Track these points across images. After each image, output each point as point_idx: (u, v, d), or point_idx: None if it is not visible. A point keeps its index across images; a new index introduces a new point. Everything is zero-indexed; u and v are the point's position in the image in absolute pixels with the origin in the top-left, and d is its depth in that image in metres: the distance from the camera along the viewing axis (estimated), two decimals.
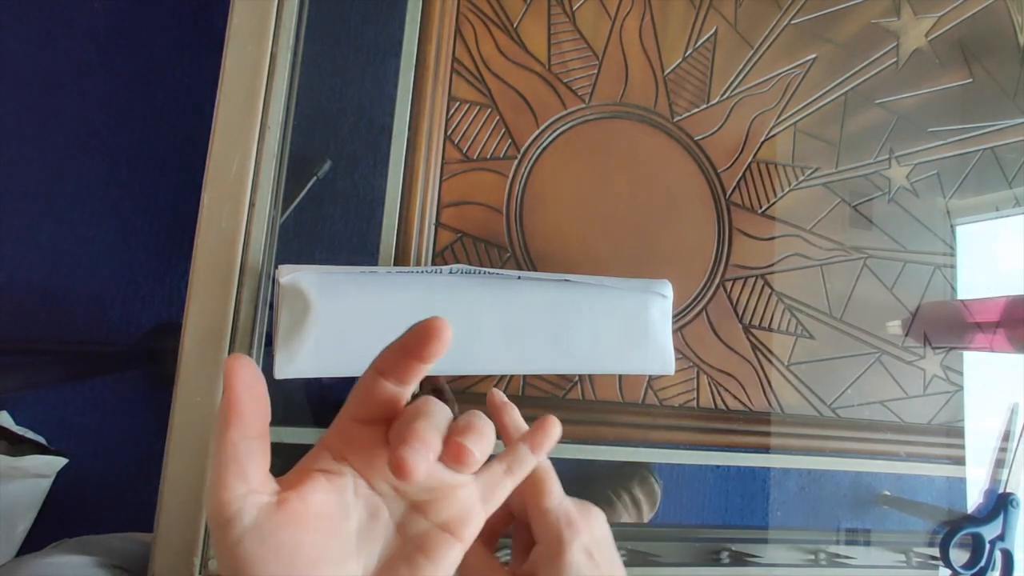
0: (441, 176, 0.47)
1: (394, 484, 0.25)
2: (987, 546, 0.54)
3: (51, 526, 0.90)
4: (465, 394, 0.46)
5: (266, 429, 0.23)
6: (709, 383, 0.51)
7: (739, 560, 0.50)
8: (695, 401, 0.50)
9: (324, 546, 0.23)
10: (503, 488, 0.27)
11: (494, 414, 0.35)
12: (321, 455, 0.25)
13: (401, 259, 0.46)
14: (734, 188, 0.53)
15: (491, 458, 0.27)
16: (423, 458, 0.22)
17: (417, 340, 0.25)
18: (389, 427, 0.26)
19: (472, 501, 0.26)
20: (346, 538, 0.24)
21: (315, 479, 0.24)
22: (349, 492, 0.24)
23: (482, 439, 0.25)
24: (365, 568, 0.24)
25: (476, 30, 0.49)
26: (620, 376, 0.49)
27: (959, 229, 0.59)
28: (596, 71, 0.51)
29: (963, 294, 0.58)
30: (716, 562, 0.50)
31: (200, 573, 0.40)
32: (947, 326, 0.58)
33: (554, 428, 0.30)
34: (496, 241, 0.48)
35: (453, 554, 0.25)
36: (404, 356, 0.25)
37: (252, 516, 0.22)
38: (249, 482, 0.22)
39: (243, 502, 0.22)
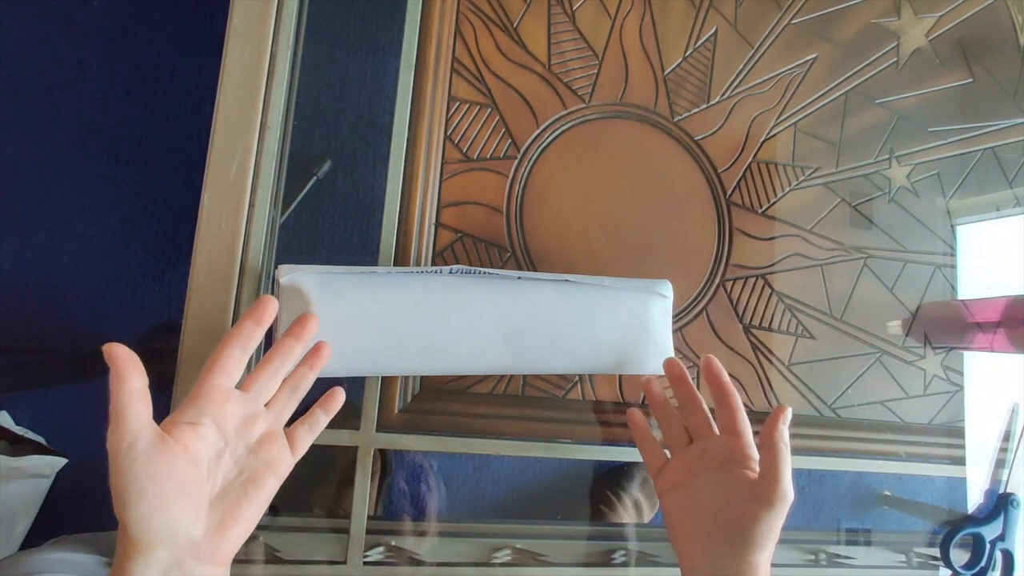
0: (441, 176, 0.47)
1: (237, 429, 0.36)
2: (987, 546, 0.54)
3: (51, 526, 0.90)
4: (465, 394, 0.46)
5: (146, 385, 0.32)
6: None
7: None
8: None
9: (187, 471, 0.33)
10: (308, 441, 0.39)
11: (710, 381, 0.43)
12: (186, 410, 0.34)
13: (401, 259, 0.46)
14: (734, 188, 0.53)
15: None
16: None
17: (256, 310, 0.37)
18: (232, 384, 0.36)
19: (286, 450, 0.38)
20: (201, 467, 0.34)
21: (182, 428, 0.33)
22: (205, 438, 0.34)
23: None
24: (211, 489, 0.34)
25: (476, 30, 0.49)
26: (620, 376, 0.49)
27: (959, 229, 0.59)
28: (596, 71, 0.51)
29: (963, 294, 0.58)
30: None
31: None
32: (947, 326, 0.58)
33: (340, 396, 0.41)
34: (496, 241, 0.48)
35: (272, 484, 0.36)
36: (246, 321, 0.37)
37: (143, 444, 0.31)
38: (141, 420, 0.31)
39: (137, 434, 0.31)
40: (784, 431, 0.39)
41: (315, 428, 0.40)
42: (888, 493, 0.55)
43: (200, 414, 0.34)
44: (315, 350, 0.40)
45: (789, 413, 0.40)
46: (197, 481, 0.33)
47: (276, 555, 0.42)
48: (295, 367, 0.40)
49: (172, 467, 0.32)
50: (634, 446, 0.46)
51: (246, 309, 0.38)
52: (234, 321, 0.41)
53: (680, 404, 0.44)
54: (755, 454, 0.40)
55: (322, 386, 0.43)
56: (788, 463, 0.39)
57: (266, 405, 0.38)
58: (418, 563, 0.44)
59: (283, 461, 0.37)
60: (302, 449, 0.39)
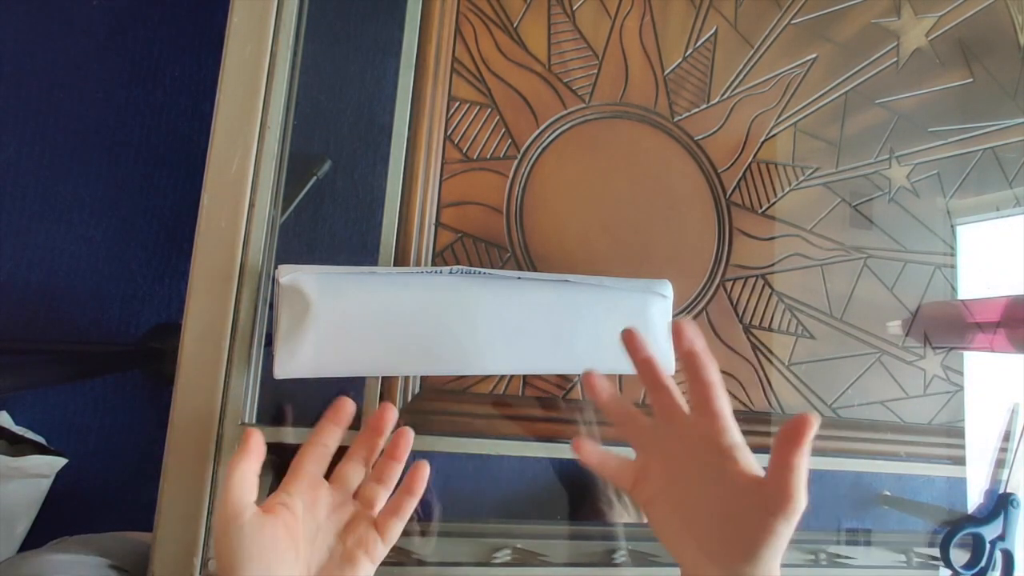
0: (441, 176, 0.47)
1: (328, 515, 0.39)
2: (987, 546, 0.54)
3: (51, 526, 0.90)
4: (465, 394, 0.46)
5: (258, 470, 0.35)
6: None
7: None
8: None
9: (287, 545, 0.35)
10: (398, 527, 0.40)
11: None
12: (279, 494, 0.37)
13: (401, 259, 0.46)
14: (734, 188, 0.53)
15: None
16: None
17: (334, 411, 0.41)
18: (323, 474, 0.40)
19: (375, 537, 0.39)
20: (298, 544, 0.36)
21: (278, 508, 0.36)
22: (299, 518, 0.37)
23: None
24: (308, 571, 0.36)
25: (476, 30, 0.49)
26: (620, 376, 0.49)
27: (959, 229, 0.59)
28: (596, 71, 0.51)
29: (963, 294, 0.58)
30: None
31: (200, 573, 0.40)
32: (947, 326, 0.58)
33: (424, 472, 0.41)
34: (496, 241, 0.48)
35: (366, 567, 0.38)
36: (327, 424, 0.40)
37: (248, 515, 0.34)
38: (248, 496, 0.34)
39: (244, 507, 0.34)
40: (807, 450, 0.33)
41: (403, 513, 0.40)
42: (888, 493, 0.55)
43: (292, 496, 0.37)
44: (396, 440, 0.41)
45: (815, 426, 0.33)
46: (295, 555, 0.36)
47: None
48: (381, 457, 0.41)
49: (275, 539, 0.34)
50: None
51: (326, 411, 0.41)
52: (235, 321, 0.42)
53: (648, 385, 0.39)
54: (737, 439, 0.35)
55: (324, 387, 0.43)
56: (805, 475, 0.33)
57: (355, 496, 0.40)
58: (419, 563, 0.44)
59: (374, 546, 0.39)
60: (393, 536, 0.40)
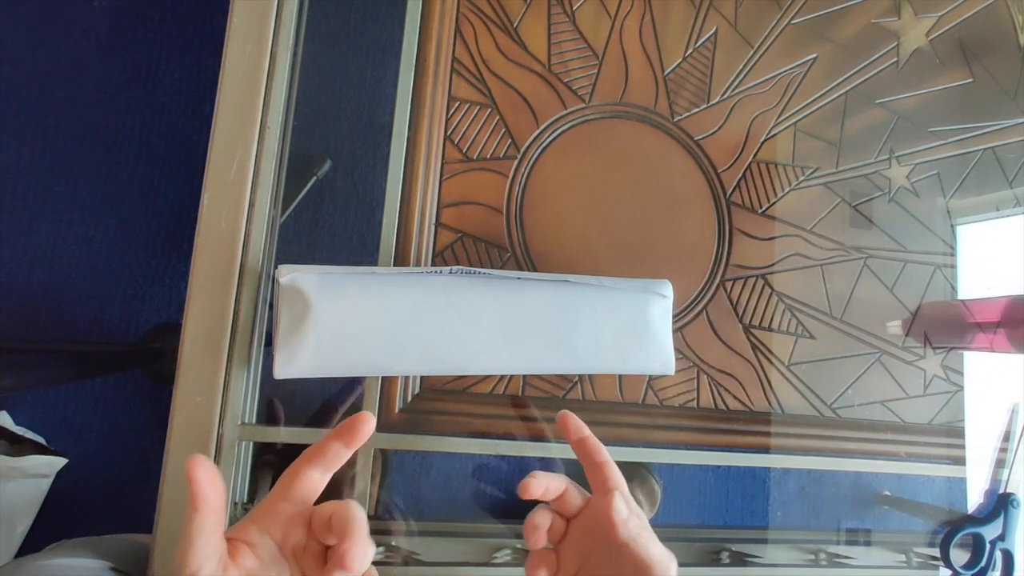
0: (441, 176, 0.47)
1: (298, 551, 0.34)
2: (987, 546, 0.54)
3: (51, 526, 0.90)
4: (465, 393, 0.46)
5: (223, 507, 0.31)
6: (709, 383, 0.51)
7: (739, 560, 0.50)
8: (695, 401, 0.50)
9: None
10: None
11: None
12: (248, 528, 0.33)
13: (401, 259, 0.46)
14: (734, 188, 0.53)
15: None
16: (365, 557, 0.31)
17: (347, 427, 0.34)
18: (306, 507, 0.34)
19: None
20: None
21: (243, 550, 0.33)
22: (266, 558, 0.33)
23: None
24: None
25: (476, 30, 0.49)
26: (620, 376, 0.49)
27: (959, 229, 0.59)
28: (596, 71, 0.51)
29: (963, 294, 0.58)
30: (716, 562, 0.50)
31: None
32: (947, 326, 0.58)
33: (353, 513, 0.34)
34: (496, 241, 0.48)
35: None
36: (334, 442, 0.34)
37: (206, 573, 0.30)
38: (208, 549, 0.30)
39: (201, 566, 0.30)
40: (598, 447, 0.39)
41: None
42: (888, 493, 0.55)
43: (264, 535, 0.33)
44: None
45: (570, 417, 0.40)
46: None
47: None
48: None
49: None
50: (637, 445, 0.46)
51: (337, 426, 0.34)
52: (235, 321, 0.41)
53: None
54: (631, 533, 0.36)
55: (324, 386, 0.43)
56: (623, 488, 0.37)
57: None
58: (418, 563, 0.44)
59: None
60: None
